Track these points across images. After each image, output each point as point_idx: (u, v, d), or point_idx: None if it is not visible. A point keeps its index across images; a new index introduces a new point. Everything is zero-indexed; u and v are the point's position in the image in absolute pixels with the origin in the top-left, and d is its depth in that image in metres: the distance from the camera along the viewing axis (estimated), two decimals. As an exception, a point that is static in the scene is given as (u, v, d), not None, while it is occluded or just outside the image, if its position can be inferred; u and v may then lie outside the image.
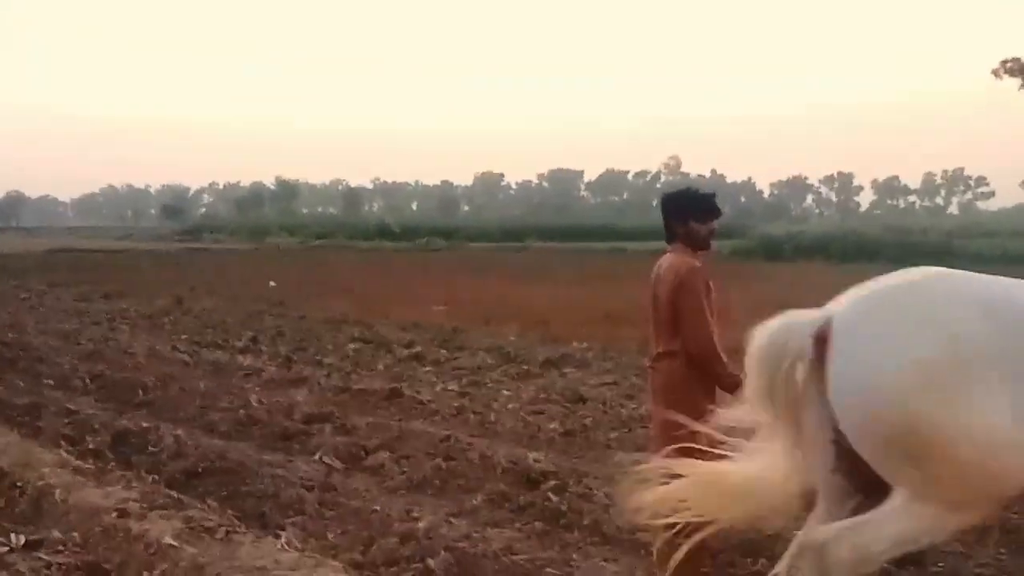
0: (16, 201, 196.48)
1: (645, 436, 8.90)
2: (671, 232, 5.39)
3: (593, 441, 9.11)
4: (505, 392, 11.52)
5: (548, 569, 5.89)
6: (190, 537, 6.05)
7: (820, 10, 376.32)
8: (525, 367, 13.19)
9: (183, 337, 16.90)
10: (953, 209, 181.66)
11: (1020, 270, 6.74)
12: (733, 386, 4.91)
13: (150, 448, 8.69)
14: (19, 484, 7.34)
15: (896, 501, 3.63)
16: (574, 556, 6.12)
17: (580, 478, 7.63)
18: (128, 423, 9.59)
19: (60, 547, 6.21)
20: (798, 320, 3.95)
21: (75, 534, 6.38)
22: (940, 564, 5.78)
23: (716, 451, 4.40)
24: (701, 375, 5.13)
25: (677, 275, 5.18)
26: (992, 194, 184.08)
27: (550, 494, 7.18)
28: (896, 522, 3.62)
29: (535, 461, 8.03)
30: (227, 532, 6.14)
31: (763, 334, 4.02)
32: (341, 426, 9.56)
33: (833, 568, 3.66)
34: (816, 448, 3.89)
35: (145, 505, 6.62)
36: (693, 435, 4.62)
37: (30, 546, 6.24)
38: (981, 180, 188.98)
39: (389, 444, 8.75)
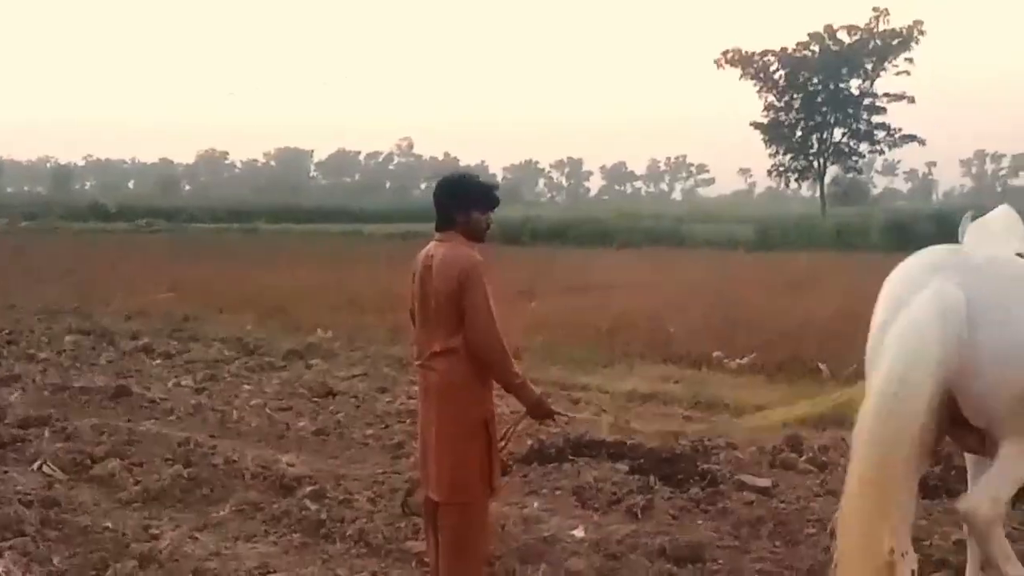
0: None
1: (404, 433, 8.50)
2: (448, 220, 4.90)
3: (348, 439, 8.57)
4: (247, 387, 10.75)
5: (311, 587, 5.34)
6: None
7: None
8: (267, 359, 12.44)
9: None
10: (676, 195, 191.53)
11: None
12: (520, 386, 4.80)
13: None
14: None
15: (1013, 448, 4.27)
16: (339, 571, 5.60)
17: (339, 481, 7.09)
18: None
19: None
20: (953, 296, 4.22)
21: None
22: (720, 561, 5.65)
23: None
24: (485, 374, 4.74)
25: (461, 269, 4.72)
26: (712, 181, 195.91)
27: (307, 501, 6.59)
28: (1018, 467, 4.32)
29: (288, 465, 7.41)
30: (-72, 563, 5.24)
31: (941, 307, 4.22)
32: (62, 430, 8.57)
33: (985, 525, 4.33)
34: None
35: None
36: (481, 436, 4.70)
37: None
38: (702, 167, 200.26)
39: (119, 450, 7.87)
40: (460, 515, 4.69)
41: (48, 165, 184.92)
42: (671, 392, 10.72)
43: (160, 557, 5.50)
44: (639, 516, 6.51)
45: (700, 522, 6.41)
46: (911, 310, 4.23)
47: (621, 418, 9.24)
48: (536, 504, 6.71)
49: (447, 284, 4.70)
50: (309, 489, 6.83)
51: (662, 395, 10.57)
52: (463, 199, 4.88)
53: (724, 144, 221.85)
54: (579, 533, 6.13)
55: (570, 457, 7.80)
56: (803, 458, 7.93)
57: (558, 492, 7.06)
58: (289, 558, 5.78)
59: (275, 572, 5.51)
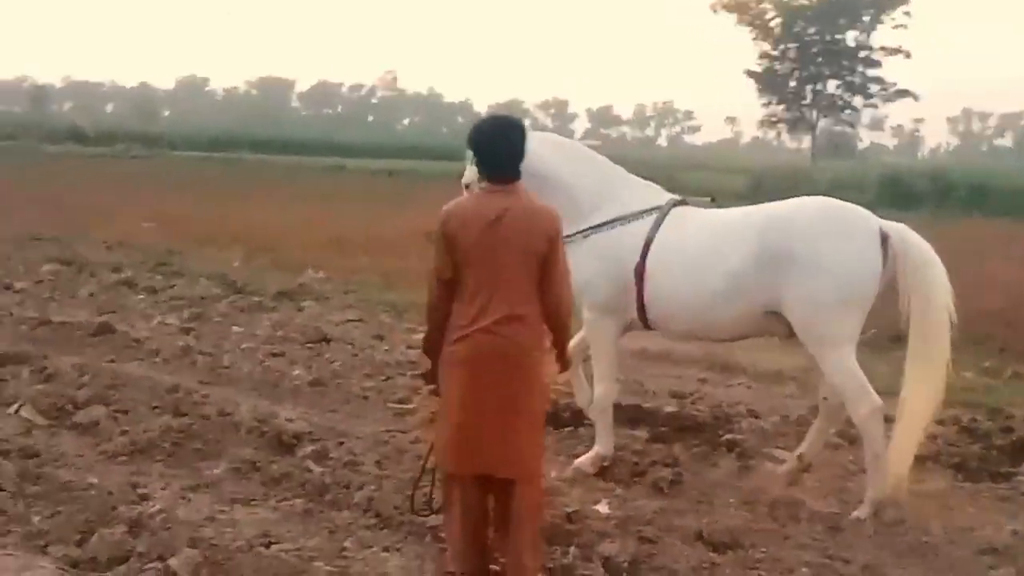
0: None
1: (406, 387, 8.01)
2: (516, 170, 4.44)
3: (347, 392, 8.05)
4: (236, 329, 10.20)
5: (317, 562, 4.85)
6: None
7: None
8: (255, 298, 11.85)
9: None
10: (662, 141, 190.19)
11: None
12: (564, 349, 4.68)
13: None
14: None
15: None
16: (346, 544, 5.10)
17: (341, 440, 6.59)
18: None
19: None
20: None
21: None
22: (762, 548, 5.21)
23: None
24: (548, 345, 4.48)
25: (551, 226, 4.35)
26: (699, 128, 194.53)
27: (309, 463, 6.09)
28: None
29: (287, 420, 6.89)
30: None
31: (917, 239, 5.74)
32: (41, 370, 8.02)
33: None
34: None
35: None
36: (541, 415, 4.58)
37: None
38: (689, 114, 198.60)
39: (103, 394, 7.34)
40: (538, 490, 4.52)
41: (25, 85, 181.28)
42: (684, 352, 10.26)
43: (151, 524, 5.00)
44: (666, 491, 6.07)
45: (732, 500, 5.98)
46: None
47: (633, 379, 8.81)
48: (554, 474, 6.24)
49: (532, 242, 4.31)
50: (311, 448, 6.33)
51: (674, 355, 10.11)
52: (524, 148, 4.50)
53: (711, 91, 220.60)
54: (604, 509, 5.68)
55: (586, 422, 7.33)
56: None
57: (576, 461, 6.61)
58: (291, 526, 5.28)
59: (277, 542, 5.03)
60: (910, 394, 5.60)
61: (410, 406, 7.59)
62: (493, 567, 4.65)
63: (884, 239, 5.64)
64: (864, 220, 5.74)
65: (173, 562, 4.55)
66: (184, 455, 6.33)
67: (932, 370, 5.60)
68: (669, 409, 7.77)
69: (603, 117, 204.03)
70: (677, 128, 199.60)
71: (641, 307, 6.17)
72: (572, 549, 4.96)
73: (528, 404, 4.41)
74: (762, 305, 5.82)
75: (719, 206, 6.63)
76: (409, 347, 9.72)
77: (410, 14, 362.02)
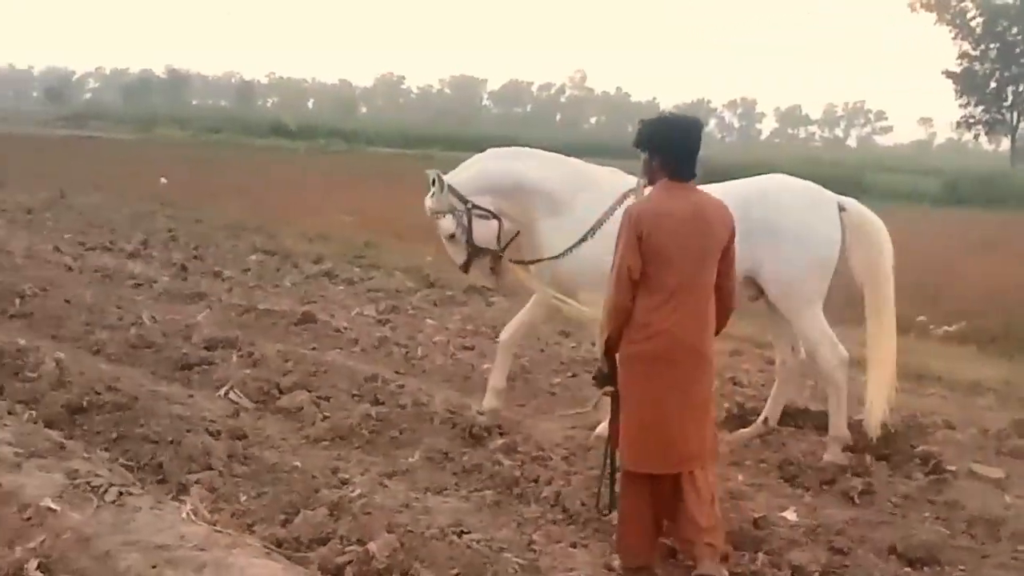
0: None
1: (591, 386, 8.02)
2: (694, 169, 4.56)
3: (535, 386, 8.20)
4: (429, 322, 10.50)
5: (507, 553, 4.95)
6: (74, 498, 5.02)
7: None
8: (448, 292, 12.14)
9: (66, 236, 15.45)
10: (851, 142, 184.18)
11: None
12: None
13: (27, 373, 7.48)
14: None
15: None
16: (535, 537, 5.20)
17: (529, 435, 6.70)
18: (1, 339, 8.33)
19: (-95, 504, 5.09)
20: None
21: (-73, 487, 5.23)
22: (960, 567, 5.03)
23: None
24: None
25: (730, 216, 4.64)
26: (890, 129, 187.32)
27: (500, 456, 6.22)
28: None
29: (478, 412, 7.05)
30: (119, 493, 5.08)
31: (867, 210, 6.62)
32: (248, 355, 8.45)
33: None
34: None
35: (20, 451, 5.53)
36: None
37: None
38: (881, 114, 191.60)
39: (305, 381, 7.68)
40: (713, 470, 4.77)
41: (232, 80, 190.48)
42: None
43: (352, 508, 5.21)
44: (856, 501, 5.92)
45: (927, 514, 5.78)
46: None
47: (822, 385, 8.61)
48: (741, 478, 6.19)
49: (719, 236, 4.52)
50: (500, 442, 6.46)
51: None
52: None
53: (905, 92, 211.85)
54: (792, 516, 5.59)
55: (773, 427, 7.23)
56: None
57: (763, 465, 6.51)
58: (482, 517, 5.42)
59: (469, 532, 5.15)
60: (874, 344, 6.64)
61: (592, 404, 7.64)
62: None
63: (840, 210, 6.52)
64: (825, 194, 6.63)
65: (372, 546, 4.69)
66: (381, 443, 6.57)
67: (887, 320, 6.61)
68: (859, 417, 7.54)
69: (791, 117, 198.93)
70: (867, 128, 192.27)
71: None
72: (760, 555, 4.90)
73: (711, 394, 4.65)
74: (742, 273, 6.10)
75: None
76: (593, 344, 9.78)
77: (600, 14, 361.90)
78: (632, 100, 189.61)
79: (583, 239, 6.53)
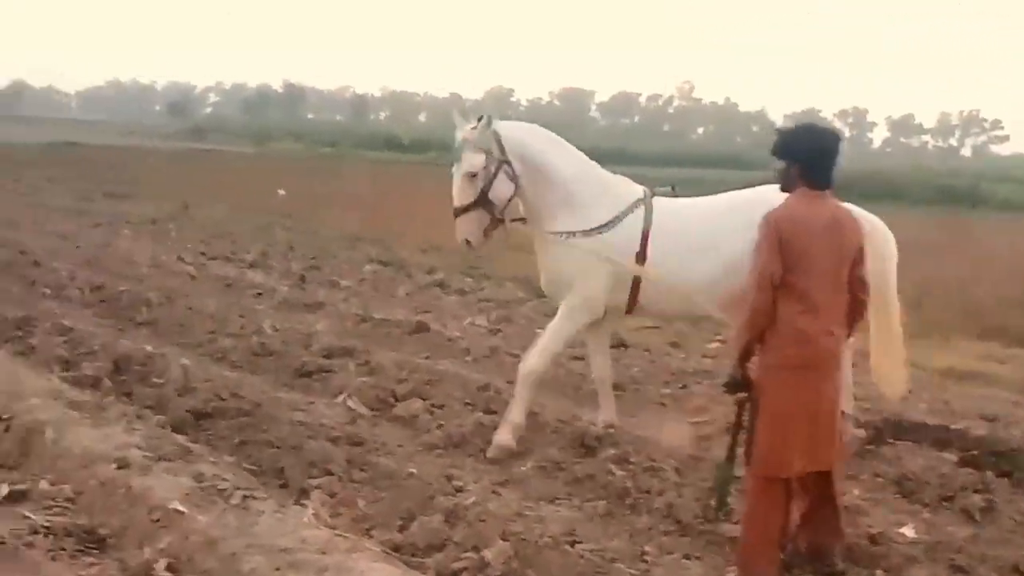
0: (19, 90, 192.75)
1: (702, 395, 8.00)
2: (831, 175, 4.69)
3: (644, 397, 8.21)
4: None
5: (619, 564, 4.99)
6: (201, 500, 5.20)
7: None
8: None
9: (188, 247, 15.97)
10: (966, 151, 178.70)
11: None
12: None
13: (154, 379, 7.77)
14: (4, 417, 6.44)
15: None
16: (647, 547, 5.22)
17: (642, 446, 6.71)
18: (129, 345, 8.68)
19: (48, 502, 5.38)
20: None
21: (66, 487, 5.53)
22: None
23: None
24: None
25: (859, 224, 4.82)
26: (1007, 138, 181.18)
27: (612, 466, 6.24)
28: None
29: (590, 423, 7.09)
30: (243, 496, 5.26)
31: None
32: (365, 363, 8.64)
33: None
34: None
35: (149, 455, 5.74)
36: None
37: (13, 498, 5.42)
38: (996, 123, 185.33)
39: (420, 389, 7.83)
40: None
41: (347, 95, 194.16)
42: (995, 373, 9.70)
43: (467, 515, 5.30)
44: (977, 519, 5.78)
45: (1053, 535, 5.62)
46: None
47: (938, 398, 8.44)
48: (856, 492, 6.09)
49: (853, 242, 4.67)
50: (612, 452, 6.48)
51: (984, 375, 9.59)
52: None
53: (1021, 101, 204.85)
54: (909, 532, 5.50)
55: (888, 440, 7.10)
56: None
57: (879, 480, 6.40)
58: (594, 526, 5.47)
59: (581, 542, 5.20)
60: (879, 337, 6.57)
61: (706, 417, 7.60)
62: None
63: None
64: None
65: (487, 553, 4.76)
66: (494, 451, 6.65)
67: (893, 318, 6.55)
68: (979, 432, 7.37)
69: (904, 126, 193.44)
70: (983, 138, 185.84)
71: (633, 292, 6.65)
72: (878, 572, 4.84)
73: (839, 396, 4.83)
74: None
75: (677, 195, 6.99)
76: (704, 356, 9.76)
77: (709, 25, 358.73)
78: (741, 110, 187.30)
79: (587, 234, 6.60)
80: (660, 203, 6.74)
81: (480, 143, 6.54)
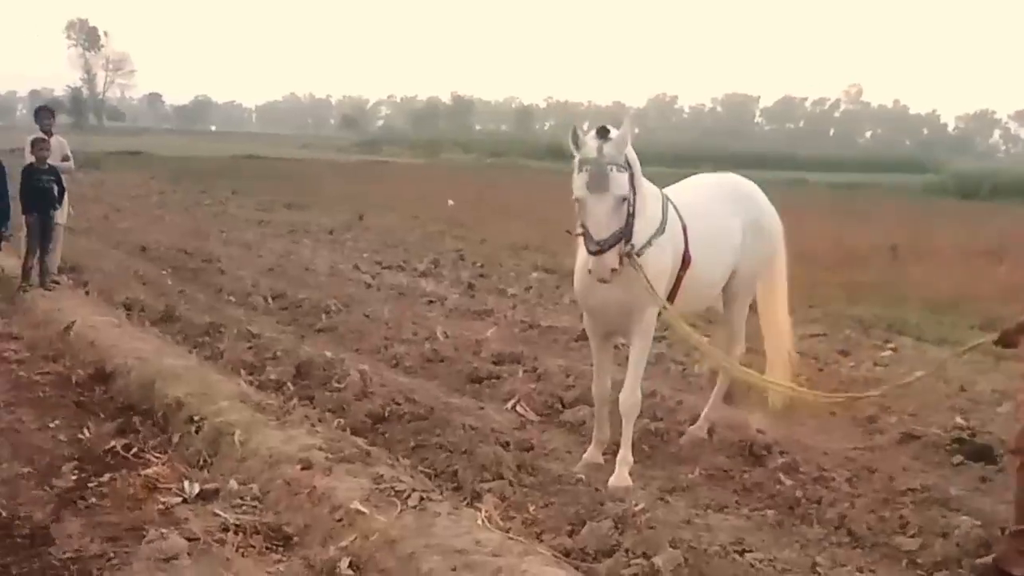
0: (204, 105, 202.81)
1: (873, 404, 7.83)
2: None
3: (813, 406, 8.05)
4: (704, 337, 10.48)
5: (790, 574, 4.95)
6: (380, 502, 5.39)
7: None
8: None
9: (364, 256, 16.52)
10: None
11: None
12: None
13: (334, 383, 8.10)
14: (196, 418, 6.85)
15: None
16: (818, 559, 5.16)
17: (810, 454, 6.64)
18: (311, 351, 9.07)
19: (237, 500, 5.67)
20: None
21: (254, 486, 5.82)
22: None
23: None
24: None
25: None
26: None
27: (780, 475, 6.22)
28: None
29: (758, 432, 7.05)
30: (421, 498, 5.44)
31: None
32: (532, 369, 8.81)
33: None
34: None
35: (331, 456, 5.99)
36: None
37: (204, 496, 5.73)
38: None
39: (587, 396, 7.86)
40: None
41: (513, 105, 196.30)
42: None
43: (636, 521, 5.35)
44: None
45: None
46: None
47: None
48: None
49: None
50: (781, 461, 6.46)
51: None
52: None
53: None
54: None
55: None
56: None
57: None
58: (763, 536, 5.45)
59: (751, 551, 5.18)
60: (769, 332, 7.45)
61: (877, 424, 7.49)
62: None
63: None
64: None
65: (657, 560, 4.79)
66: (661, 458, 6.72)
67: (781, 311, 7.44)
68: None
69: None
70: None
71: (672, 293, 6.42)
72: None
73: None
74: (731, 267, 6.84)
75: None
76: (875, 364, 9.54)
77: (878, 26, 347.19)
78: (911, 113, 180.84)
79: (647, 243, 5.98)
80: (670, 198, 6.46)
81: (620, 160, 5.66)
